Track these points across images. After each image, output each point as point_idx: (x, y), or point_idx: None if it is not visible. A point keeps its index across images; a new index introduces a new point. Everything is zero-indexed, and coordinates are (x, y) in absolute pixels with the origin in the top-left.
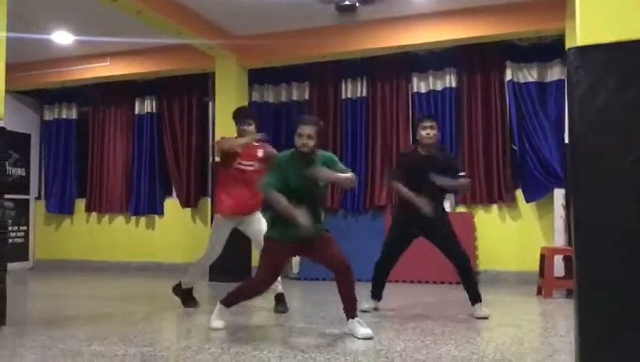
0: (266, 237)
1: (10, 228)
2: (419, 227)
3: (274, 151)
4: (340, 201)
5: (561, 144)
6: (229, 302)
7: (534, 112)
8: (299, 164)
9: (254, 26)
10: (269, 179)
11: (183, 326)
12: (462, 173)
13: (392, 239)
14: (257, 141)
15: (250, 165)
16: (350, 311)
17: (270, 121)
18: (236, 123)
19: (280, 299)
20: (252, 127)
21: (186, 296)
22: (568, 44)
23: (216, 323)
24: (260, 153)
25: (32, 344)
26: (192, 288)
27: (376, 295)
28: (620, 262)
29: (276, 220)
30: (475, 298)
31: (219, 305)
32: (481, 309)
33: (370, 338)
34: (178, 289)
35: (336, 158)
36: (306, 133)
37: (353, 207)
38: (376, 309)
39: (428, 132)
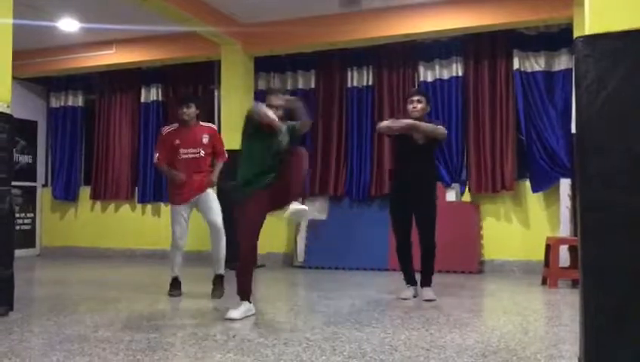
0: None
1: (17, 215)
2: (409, 199)
3: (219, 138)
4: (345, 190)
5: (568, 134)
6: (243, 293)
7: (541, 102)
8: None
9: (260, 14)
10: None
11: (189, 313)
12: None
13: (394, 217)
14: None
15: (197, 152)
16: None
17: None
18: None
19: (218, 281)
20: (192, 110)
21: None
22: (576, 33)
23: (234, 313)
24: (206, 139)
25: (39, 329)
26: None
27: (410, 280)
28: (626, 251)
29: (248, 177)
30: (427, 282)
31: (241, 303)
32: (429, 293)
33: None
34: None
35: None
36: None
37: (359, 195)
38: (415, 296)
39: (415, 105)
